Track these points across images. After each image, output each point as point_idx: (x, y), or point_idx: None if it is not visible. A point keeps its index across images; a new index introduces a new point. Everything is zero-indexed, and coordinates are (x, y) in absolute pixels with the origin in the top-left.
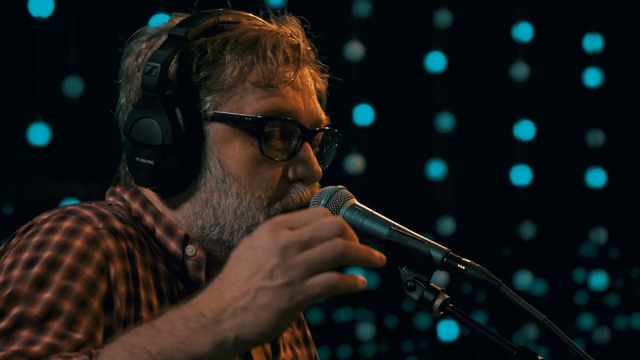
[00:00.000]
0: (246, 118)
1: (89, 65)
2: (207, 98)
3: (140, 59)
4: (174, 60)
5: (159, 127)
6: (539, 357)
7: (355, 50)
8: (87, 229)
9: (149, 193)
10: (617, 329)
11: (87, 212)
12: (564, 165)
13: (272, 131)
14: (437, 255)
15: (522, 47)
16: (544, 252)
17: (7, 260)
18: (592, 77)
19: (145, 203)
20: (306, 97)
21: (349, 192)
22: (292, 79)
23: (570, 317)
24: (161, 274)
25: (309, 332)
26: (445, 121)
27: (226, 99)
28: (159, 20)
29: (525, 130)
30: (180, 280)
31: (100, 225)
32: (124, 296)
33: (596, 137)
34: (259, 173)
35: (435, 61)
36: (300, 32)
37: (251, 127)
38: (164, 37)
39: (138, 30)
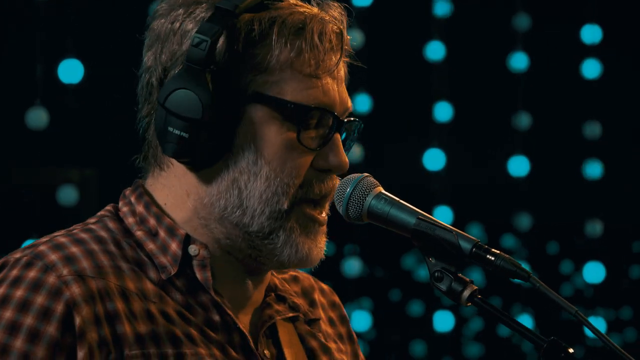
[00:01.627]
0: (289, 104)
1: (87, 50)
2: (250, 76)
3: (177, 25)
4: (222, 35)
5: (199, 101)
6: (570, 350)
7: (355, 39)
8: (51, 280)
9: (173, 181)
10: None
11: (53, 257)
12: (561, 156)
13: (310, 121)
14: (465, 245)
15: (521, 37)
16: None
17: None
18: (590, 69)
19: (149, 205)
20: (340, 86)
21: (374, 180)
22: (334, 69)
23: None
24: (149, 294)
25: (344, 312)
26: (444, 111)
27: (270, 81)
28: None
29: (523, 120)
30: (176, 291)
31: (64, 272)
32: (96, 342)
33: (593, 129)
34: (291, 159)
35: (435, 50)
36: (344, 17)
37: (291, 114)
38: (204, 6)
39: None
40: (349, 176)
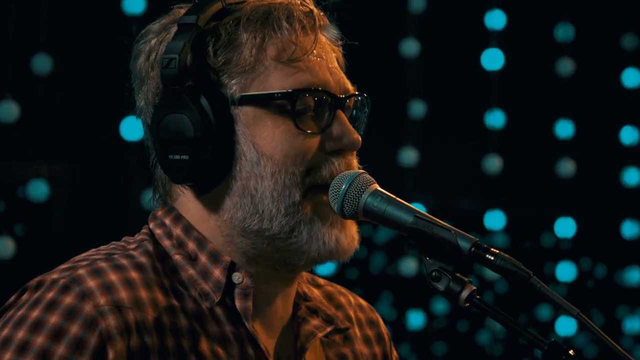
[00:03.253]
0: (275, 95)
1: (59, 43)
2: (232, 82)
3: (152, 57)
4: (190, 49)
5: (188, 120)
6: (571, 352)
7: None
8: (87, 309)
9: (189, 205)
10: None
11: (92, 284)
12: (534, 154)
13: (304, 105)
14: (464, 244)
15: (495, 35)
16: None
17: (5, 331)
18: (564, 67)
19: (189, 229)
20: (330, 66)
21: (370, 177)
22: (314, 48)
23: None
24: (183, 330)
25: (389, 348)
26: (418, 108)
27: (251, 79)
28: (133, 1)
29: (497, 119)
30: (212, 321)
31: (102, 302)
32: None
33: (566, 128)
34: (293, 148)
35: (409, 47)
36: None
37: (281, 104)
38: (173, 30)
39: (142, 31)
40: (344, 172)
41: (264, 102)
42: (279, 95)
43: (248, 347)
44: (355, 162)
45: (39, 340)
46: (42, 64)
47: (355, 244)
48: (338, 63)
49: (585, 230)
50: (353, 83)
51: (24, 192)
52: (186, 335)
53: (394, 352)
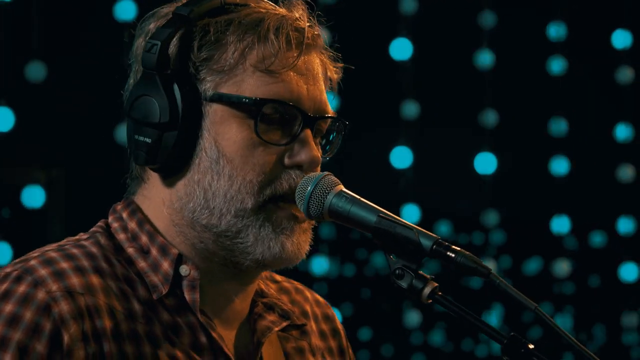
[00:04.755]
0: (244, 99)
1: (52, 50)
2: (208, 78)
3: (147, 39)
4: (175, 38)
5: (157, 105)
6: (530, 345)
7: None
8: (40, 295)
9: (152, 191)
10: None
11: (43, 272)
12: (527, 153)
13: (271, 115)
14: (426, 242)
15: (487, 34)
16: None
17: None
18: (556, 65)
19: (142, 222)
20: (310, 83)
21: (335, 179)
22: (294, 64)
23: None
24: (137, 314)
25: (345, 343)
26: (411, 109)
27: (226, 80)
28: (125, 7)
29: (490, 118)
30: (164, 310)
31: (54, 288)
32: (83, 359)
33: (559, 126)
34: (253, 156)
35: (401, 48)
36: (307, 16)
37: (249, 110)
38: (170, 17)
39: (150, 13)
40: (309, 174)
41: (233, 104)
42: (247, 100)
43: (201, 335)
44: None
45: None
46: (36, 71)
47: (302, 252)
48: (331, 85)
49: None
50: (345, 85)
51: (22, 198)
52: (140, 319)
53: (350, 350)
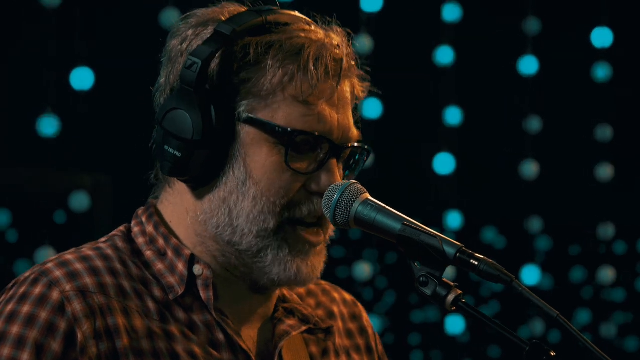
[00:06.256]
0: (277, 128)
1: (98, 56)
2: (244, 101)
3: (184, 45)
4: (215, 58)
5: (191, 122)
6: (552, 353)
7: (364, 43)
8: (55, 296)
9: (179, 197)
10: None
11: (58, 273)
12: (571, 159)
13: (302, 145)
14: (450, 250)
15: (531, 40)
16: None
17: None
18: (601, 72)
19: (158, 225)
20: (341, 113)
21: (361, 187)
22: (330, 97)
23: (571, 311)
24: (151, 312)
25: (373, 343)
26: (453, 115)
27: (263, 105)
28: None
29: (533, 124)
30: (180, 309)
31: (67, 288)
32: (96, 356)
33: (604, 132)
34: (280, 180)
35: (444, 55)
36: (345, 43)
37: (281, 137)
38: (210, 29)
39: (188, 13)
40: (336, 183)
41: (265, 129)
42: (280, 129)
43: (217, 332)
44: None
45: (15, 329)
46: (81, 76)
47: (317, 273)
48: (356, 103)
49: None
50: (387, 92)
51: (70, 203)
52: (155, 317)
53: (380, 346)
